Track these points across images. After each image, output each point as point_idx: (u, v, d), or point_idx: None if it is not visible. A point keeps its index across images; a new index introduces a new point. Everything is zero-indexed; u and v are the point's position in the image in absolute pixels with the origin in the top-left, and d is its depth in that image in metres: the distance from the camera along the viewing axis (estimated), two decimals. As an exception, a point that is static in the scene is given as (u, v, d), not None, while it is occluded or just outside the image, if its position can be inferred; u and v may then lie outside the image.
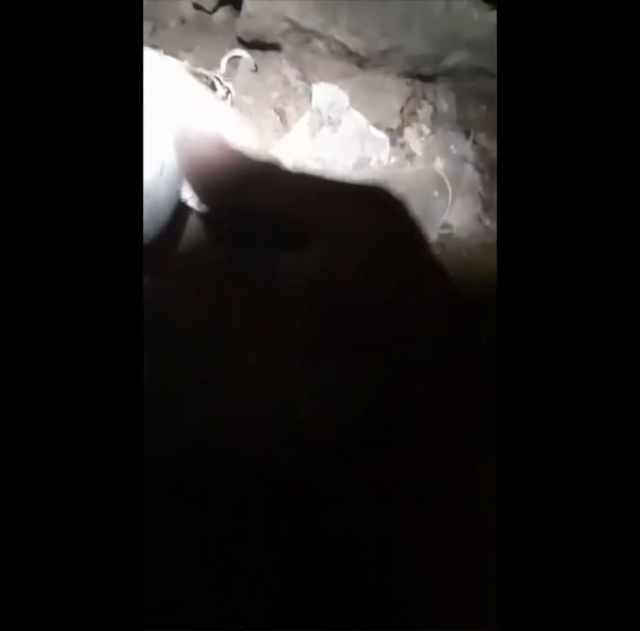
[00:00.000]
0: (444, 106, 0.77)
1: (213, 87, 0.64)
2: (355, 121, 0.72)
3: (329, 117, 0.70)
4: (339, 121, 0.71)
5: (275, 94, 0.72)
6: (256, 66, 0.72)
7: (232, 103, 0.66)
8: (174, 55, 0.66)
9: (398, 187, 0.73)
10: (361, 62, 0.73)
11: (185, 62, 0.63)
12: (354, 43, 0.73)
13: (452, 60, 0.77)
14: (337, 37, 0.73)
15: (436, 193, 0.74)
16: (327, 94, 0.71)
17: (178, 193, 0.22)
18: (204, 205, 0.22)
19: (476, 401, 0.19)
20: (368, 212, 0.19)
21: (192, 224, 0.24)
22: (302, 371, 0.18)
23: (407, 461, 0.18)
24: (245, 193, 0.20)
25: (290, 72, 0.72)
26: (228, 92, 0.65)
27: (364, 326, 0.18)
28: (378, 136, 0.72)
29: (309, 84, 0.72)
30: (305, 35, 0.72)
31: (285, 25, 0.72)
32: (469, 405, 0.19)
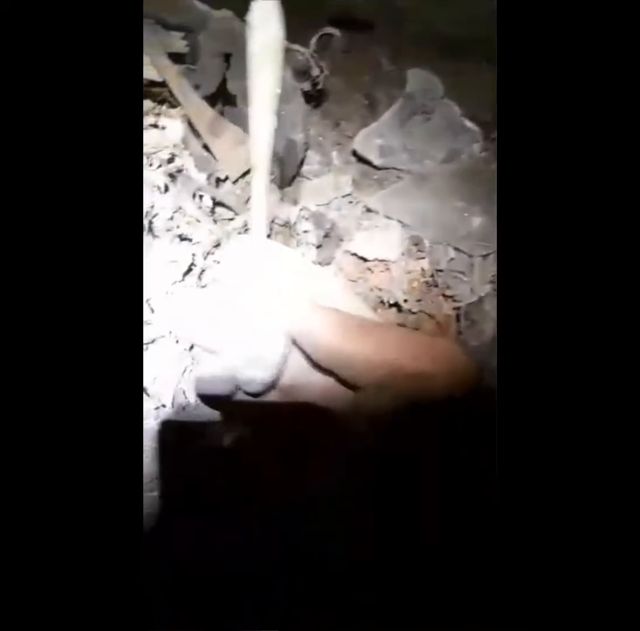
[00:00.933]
0: (538, 101, 0.73)
1: (307, 64, 0.60)
2: (448, 110, 0.67)
3: (423, 106, 0.66)
4: (433, 110, 0.66)
5: (366, 77, 0.68)
6: (348, 46, 0.67)
7: (324, 81, 0.62)
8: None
9: (486, 183, 0.69)
10: (457, 49, 0.69)
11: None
12: (450, 28, 0.69)
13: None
14: (433, 20, 0.69)
15: (526, 193, 0.70)
16: (422, 80, 0.67)
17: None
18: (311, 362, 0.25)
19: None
20: (432, 365, 0.21)
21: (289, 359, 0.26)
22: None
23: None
24: (342, 346, 0.23)
25: (383, 55, 0.68)
26: (321, 71, 0.61)
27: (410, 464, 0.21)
28: (471, 127, 0.68)
29: (403, 68, 0.68)
30: (399, 16, 0.68)
31: (378, 4, 0.68)
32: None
